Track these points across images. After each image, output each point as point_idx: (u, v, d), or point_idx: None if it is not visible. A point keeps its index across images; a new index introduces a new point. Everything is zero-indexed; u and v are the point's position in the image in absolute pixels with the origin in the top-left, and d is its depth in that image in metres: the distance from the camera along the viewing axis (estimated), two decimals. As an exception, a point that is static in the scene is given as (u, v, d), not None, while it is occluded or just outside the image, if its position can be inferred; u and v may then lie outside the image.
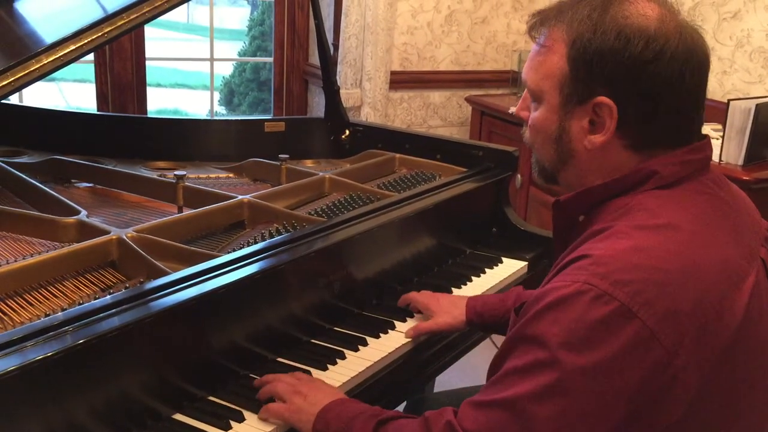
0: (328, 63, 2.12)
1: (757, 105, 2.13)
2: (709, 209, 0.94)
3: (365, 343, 1.35)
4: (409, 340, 1.39)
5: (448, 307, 1.43)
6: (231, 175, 1.94)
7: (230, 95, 5.17)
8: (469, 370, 1.74)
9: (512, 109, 2.92)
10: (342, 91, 3.15)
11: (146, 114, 3.34)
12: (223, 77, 5.41)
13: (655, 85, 0.91)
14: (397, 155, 2.05)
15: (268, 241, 1.35)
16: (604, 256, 0.87)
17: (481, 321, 1.42)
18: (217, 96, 5.44)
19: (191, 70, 9.04)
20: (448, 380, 1.90)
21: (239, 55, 5.18)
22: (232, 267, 1.19)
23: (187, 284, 1.12)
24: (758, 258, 0.95)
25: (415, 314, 1.48)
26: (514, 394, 0.87)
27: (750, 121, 2.11)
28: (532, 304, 0.90)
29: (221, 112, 5.18)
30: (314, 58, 3.58)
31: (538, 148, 1.04)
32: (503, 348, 0.93)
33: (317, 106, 3.62)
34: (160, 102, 7.02)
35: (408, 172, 1.99)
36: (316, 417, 1.07)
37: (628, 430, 0.85)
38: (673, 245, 0.88)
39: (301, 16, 3.53)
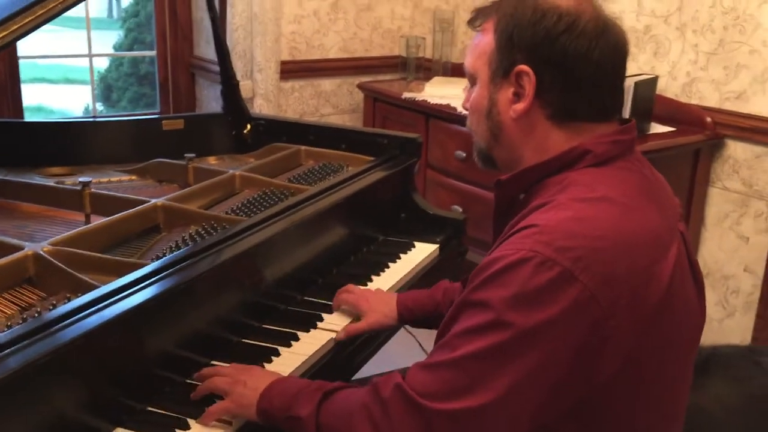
0: (226, 56, 2.09)
1: (635, 83, 2.29)
2: (637, 185, 1.03)
3: (297, 338, 1.37)
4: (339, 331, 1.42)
5: (379, 305, 1.46)
6: (134, 177, 1.89)
7: (108, 91, 4.92)
8: (384, 358, 1.78)
9: (405, 94, 2.99)
10: (233, 84, 3.11)
11: (22, 114, 3.15)
12: (98, 71, 5.14)
13: (566, 56, 1.00)
14: (303, 147, 2.05)
15: (193, 245, 1.33)
16: (548, 225, 0.94)
17: (412, 317, 1.47)
18: (91, 90, 5.15)
19: (50, 63, 8.46)
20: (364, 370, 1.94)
21: (115, 47, 4.93)
22: (163, 275, 1.17)
23: (119, 297, 1.09)
24: (677, 231, 1.04)
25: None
26: (461, 354, 0.92)
27: (630, 98, 2.27)
28: (480, 271, 0.95)
29: (99, 109, 4.93)
30: (200, 50, 3.50)
31: (475, 129, 1.12)
32: (451, 313, 0.98)
33: (206, 100, 3.54)
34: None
35: (315, 164, 2.00)
36: (259, 397, 1.09)
37: (569, 384, 0.92)
38: (608, 216, 0.96)
39: (183, 6, 3.43)
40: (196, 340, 1.25)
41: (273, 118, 2.25)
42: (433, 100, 2.87)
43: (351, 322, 1.45)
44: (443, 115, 2.80)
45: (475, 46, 1.09)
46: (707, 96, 2.47)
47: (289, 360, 1.29)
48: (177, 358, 1.21)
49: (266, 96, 3.16)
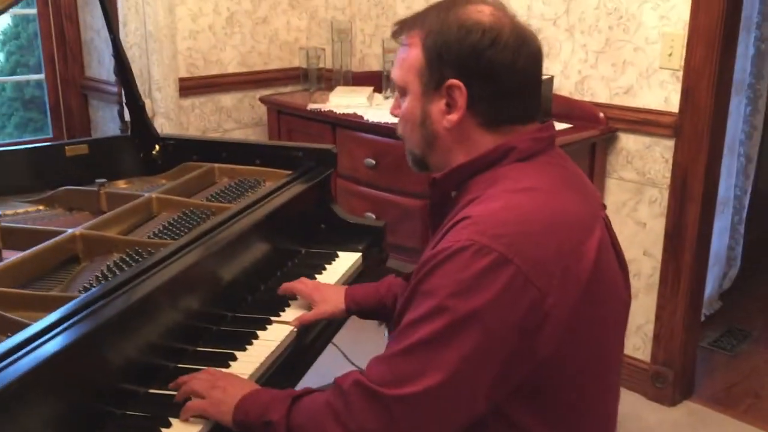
0: (130, 77, 2.04)
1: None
2: (559, 177, 1.11)
3: (234, 358, 1.35)
4: (274, 349, 1.41)
5: (329, 296, 1.55)
6: (41, 207, 1.81)
7: (-11, 117, 4.63)
8: (312, 371, 1.80)
9: (310, 106, 2.99)
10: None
11: None
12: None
13: (493, 68, 1.07)
14: (216, 165, 2.03)
15: (122, 273, 1.29)
16: (481, 216, 1.02)
17: (359, 308, 1.55)
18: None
19: None
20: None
21: (-6, 72, 4.67)
22: (97, 306, 1.13)
23: (54, 333, 1.05)
24: (600, 217, 1.13)
25: (288, 306, 1.56)
26: (411, 342, 0.99)
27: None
28: (423, 264, 1.02)
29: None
30: (92, 71, 3.38)
31: (408, 137, 1.18)
32: (400, 306, 1.05)
33: (102, 122, 3.43)
34: None
35: (230, 181, 1.98)
36: (234, 408, 1.14)
37: (514, 363, 0.98)
38: (535, 203, 1.04)
39: (70, 27, 3.31)
40: (130, 370, 1.22)
41: (182, 137, 2.22)
42: (338, 110, 2.89)
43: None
44: (350, 124, 2.83)
45: (403, 60, 1.14)
46: (598, 92, 2.62)
47: (230, 380, 1.28)
48: (113, 390, 1.18)
49: (167, 114, 3.10)
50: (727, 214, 3.09)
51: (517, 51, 1.07)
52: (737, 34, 2.36)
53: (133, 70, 2.99)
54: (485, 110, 1.09)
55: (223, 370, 1.29)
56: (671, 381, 2.58)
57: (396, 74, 1.16)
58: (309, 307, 1.56)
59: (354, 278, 1.83)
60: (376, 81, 3.27)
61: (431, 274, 1.00)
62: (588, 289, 1.02)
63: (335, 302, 1.54)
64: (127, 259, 1.40)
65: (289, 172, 1.93)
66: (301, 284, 1.58)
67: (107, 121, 3.38)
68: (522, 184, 1.06)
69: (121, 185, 2.00)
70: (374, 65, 3.46)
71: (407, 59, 1.13)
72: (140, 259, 1.39)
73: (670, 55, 2.39)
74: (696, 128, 2.35)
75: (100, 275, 1.33)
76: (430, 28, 1.10)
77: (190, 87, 3.28)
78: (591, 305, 1.04)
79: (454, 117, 1.10)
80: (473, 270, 0.96)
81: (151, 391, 1.25)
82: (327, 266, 1.82)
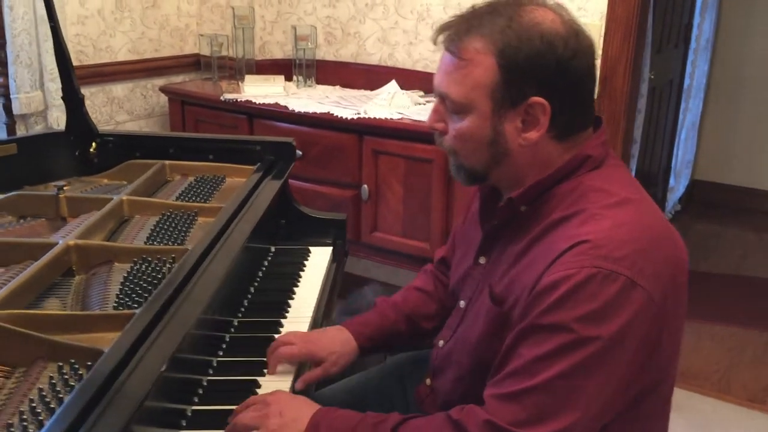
0: (69, 70, 1.86)
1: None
2: (629, 180, 1.11)
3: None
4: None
5: (334, 345, 1.33)
6: (-16, 216, 1.61)
7: None
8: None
9: (225, 96, 2.86)
10: (21, 96, 2.75)
11: None
12: None
13: (579, 78, 1.04)
14: (167, 162, 1.91)
15: (169, 280, 1.19)
16: (598, 238, 0.97)
17: (372, 344, 1.37)
18: None
19: None
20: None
21: None
22: (166, 321, 1.05)
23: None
24: None
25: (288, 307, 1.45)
26: (546, 377, 0.94)
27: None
28: (544, 294, 0.97)
29: None
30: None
31: (467, 155, 1.10)
32: (515, 339, 0.99)
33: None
34: None
35: (184, 179, 1.87)
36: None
37: (636, 380, 1.00)
38: (638, 216, 1.02)
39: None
40: (178, 388, 1.14)
41: (123, 133, 2.07)
42: (257, 100, 2.80)
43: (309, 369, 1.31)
44: (273, 114, 2.76)
45: (465, 76, 1.03)
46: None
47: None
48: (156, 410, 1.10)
49: (62, 107, 2.83)
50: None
51: (591, 56, 1.05)
52: (647, 24, 2.55)
53: (21, 59, 2.74)
54: (563, 123, 1.04)
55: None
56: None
57: (454, 90, 1.05)
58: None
59: (333, 274, 1.80)
60: (281, 69, 3.19)
61: (558, 306, 0.95)
62: (684, 293, 1.05)
63: (344, 349, 1.33)
64: (143, 269, 1.29)
65: (248, 167, 1.86)
66: (288, 348, 1.28)
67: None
68: (616, 196, 1.03)
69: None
70: (276, 53, 3.38)
71: (472, 76, 1.02)
72: (158, 269, 1.29)
73: (588, 45, 2.54)
74: (613, 115, 2.52)
75: (126, 288, 1.22)
76: (504, 41, 1.00)
77: (81, 76, 2.95)
78: (683, 308, 1.06)
79: (533, 135, 1.04)
80: (605, 298, 0.93)
81: (195, 408, 1.17)
82: (305, 262, 1.78)
